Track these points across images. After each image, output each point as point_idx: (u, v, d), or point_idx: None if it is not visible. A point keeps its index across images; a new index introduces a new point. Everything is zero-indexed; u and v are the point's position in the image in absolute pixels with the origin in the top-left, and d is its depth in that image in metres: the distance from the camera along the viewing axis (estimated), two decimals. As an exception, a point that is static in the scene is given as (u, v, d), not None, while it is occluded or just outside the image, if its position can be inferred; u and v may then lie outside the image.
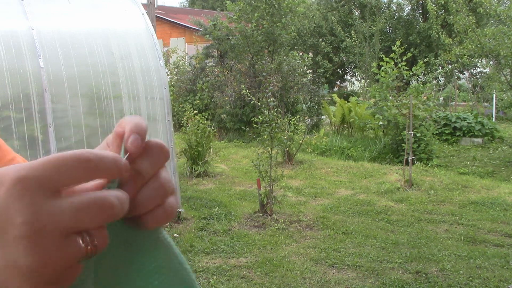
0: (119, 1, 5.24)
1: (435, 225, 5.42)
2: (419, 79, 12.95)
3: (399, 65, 8.51)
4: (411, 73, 8.65)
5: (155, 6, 13.27)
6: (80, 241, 0.34)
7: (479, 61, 14.68)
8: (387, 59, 8.65)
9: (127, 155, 0.39)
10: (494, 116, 14.06)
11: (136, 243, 0.42)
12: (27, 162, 0.35)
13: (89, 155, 0.35)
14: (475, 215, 5.72)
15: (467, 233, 5.11)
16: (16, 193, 0.32)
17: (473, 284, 3.95)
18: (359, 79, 20.12)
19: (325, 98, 13.66)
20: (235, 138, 11.13)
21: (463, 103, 16.16)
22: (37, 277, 0.32)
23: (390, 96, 8.77)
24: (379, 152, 9.40)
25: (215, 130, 8.65)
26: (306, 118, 11.44)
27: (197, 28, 15.80)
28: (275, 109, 6.20)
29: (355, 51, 17.72)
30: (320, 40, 19.20)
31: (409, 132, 7.06)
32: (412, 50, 16.19)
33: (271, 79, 10.69)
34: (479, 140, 10.77)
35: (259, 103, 7.33)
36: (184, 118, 8.44)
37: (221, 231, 5.17)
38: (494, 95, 14.33)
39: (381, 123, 9.53)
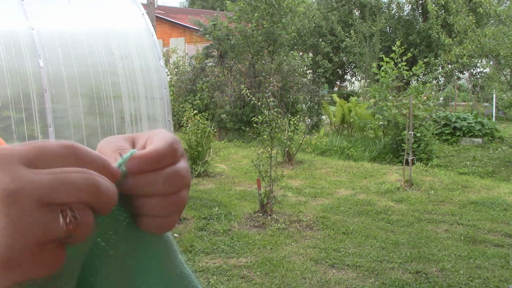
0: (119, 1, 5.24)
1: (435, 225, 5.42)
2: (419, 79, 12.94)
3: (399, 65, 8.51)
4: (411, 73, 8.64)
5: (155, 6, 13.27)
6: (60, 216, 0.32)
7: (479, 61, 14.68)
8: (387, 59, 8.65)
9: (122, 164, 0.38)
10: (494, 116, 14.06)
11: (139, 240, 0.42)
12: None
13: (78, 147, 0.35)
14: (475, 215, 5.72)
15: (467, 233, 5.11)
16: None
17: (473, 284, 3.95)
18: (359, 79, 20.13)
19: (325, 98, 13.66)
20: (235, 138, 11.13)
21: (463, 103, 16.16)
22: (8, 248, 0.31)
23: (390, 96, 8.77)
24: (379, 152, 9.40)
25: (215, 130, 8.65)
26: (306, 118, 11.44)
27: (197, 28, 15.80)
28: (275, 109, 6.20)
29: (355, 51, 17.72)
30: (320, 40, 19.20)
31: (409, 132, 7.06)
32: (412, 50, 16.19)
33: (271, 79, 10.69)
34: (479, 140, 10.77)
35: (259, 103, 7.33)
36: (184, 118, 8.44)
37: (221, 231, 5.17)
38: (494, 95, 14.33)
39: (381, 123, 9.53)
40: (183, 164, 0.41)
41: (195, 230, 5.20)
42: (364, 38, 17.70)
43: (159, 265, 0.43)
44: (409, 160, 6.92)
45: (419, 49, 18.09)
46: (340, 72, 21.53)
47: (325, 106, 12.05)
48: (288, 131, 7.69)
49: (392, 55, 8.62)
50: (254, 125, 6.36)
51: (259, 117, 5.96)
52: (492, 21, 14.00)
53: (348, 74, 21.98)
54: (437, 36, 16.06)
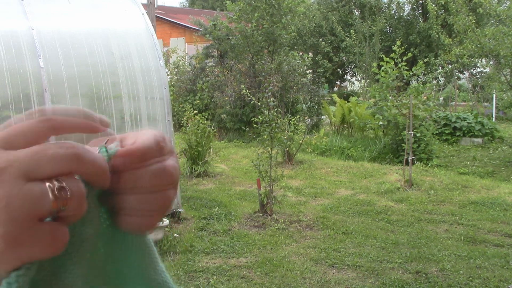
0: (119, 1, 5.24)
1: (435, 225, 5.42)
2: (419, 79, 12.94)
3: (399, 65, 8.50)
4: (411, 73, 8.64)
5: (155, 6, 13.26)
6: (47, 187, 0.32)
7: (479, 61, 14.67)
8: (387, 59, 8.64)
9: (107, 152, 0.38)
10: (494, 116, 14.06)
11: (121, 242, 0.41)
12: None
13: (53, 118, 0.36)
14: (475, 215, 5.72)
15: (467, 233, 5.11)
16: None
17: (473, 284, 3.95)
18: (359, 79, 20.12)
19: (325, 98, 13.66)
20: (235, 138, 11.13)
21: (463, 103, 16.15)
22: (6, 225, 0.31)
23: (390, 96, 8.76)
24: (379, 152, 9.40)
25: (215, 130, 8.65)
26: (306, 118, 11.44)
27: (197, 28, 15.79)
28: (275, 109, 6.20)
29: (355, 51, 17.72)
30: (320, 40, 19.20)
31: (409, 132, 7.06)
32: (412, 50, 16.19)
33: (271, 79, 10.69)
34: (479, 140, 10.77)
35: (259, 103, 7.33)
36: (184, 118, 8.44)
37: (221, 231, 5.17)
38: (494, 95, 14.33)
39: (381, 123, 9.53)
40: (170, 162, 0.40)
41: (195, 230, 5.19)
42: (364, 38, 17.70)
43: (140, 271, 0.42)
44: (409, 160, 6.92)
45: (419, 49, 18.09)
46: (340, 72, 21.53)
47: (325, 106, 12.05)
48: (288, 131, 7.69)
49: (392, 55, 8.62)
50: (254, 125, 6.36)
51: (259, 117, 5.96)
52: (492, 21, 14.00)
53: (348, 74, 21.98)
54: (437, 36, 16.06)
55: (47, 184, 0.33)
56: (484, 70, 16.87)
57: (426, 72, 15.88)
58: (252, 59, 11.39)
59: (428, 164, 8.33)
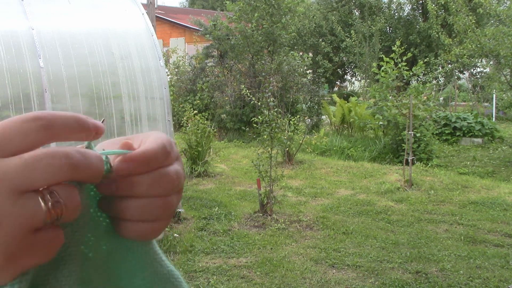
0: (119, 1, 5.24)
1: (435, 225, 5.42)
2: (419, 79, 12.94)
3: (399, 65, 8.50)
4: (411, 73, 8.64)
5: (155, 6, 13.25)
6: (40, 200, 0.32)
7: (479, 61, 14.67)
8: (387, 59, 8.64)
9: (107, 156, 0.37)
10: (494, 116, 14.06)
11: (120, 240, 0.40)
12: None
13: (44, 116, 0.33)
14: (475, 215, 5.72)
15: (467, 233, 5.11)
16: None
17: (473, 284, 3.95)
18: (359, 79, 20.12)
19: (325, 98, 13.65)
20: (235, 138, 11.13)
21: (463, 103, 16.15)
22: (2, 241, 0.31)
23: (390, 96, 8.76)
24: (379, 152, 9.40)
25: (215, 130, 8.65)
26: (306, 118, 11.44)
27: (197, 28, 15.80)
28: (275, 109, 6.20)
29: (355, 51, 17.71)
30: (320, 40, 19.19)
31: (409, 132, 7.06)
32: (412, 50, 16.19)
33: (271, 79, 10.69)
34: (479, 140, 10.77)
35: (259, 103, 7.33)
36: (184, 118, 8.44)
37: (221, 231, 5.17)
38: (494, 95, 14.33)
39: (381, 123, 9.53)
40: (176, 167, 0.39)
41: (195, 230, 5.19)
42: (364, 38, 17.69)
43: (144, 265, 0.42)
44: (409, 160, 6.92)
45: (419, 49, 18.09)
46: (340, 72, 21.53)
47: (325, 106, 12.05)
48: (288, 131, 7.69)
49: (392, 55, 8.62)
50: (254, 125, 6.36)
51: (259, 117, 5.96)
52: (492, 21, 14.00)
53: (348, 74, 21.97)
54: (437, 36, 16.05)
55: (39, 196, 0.32)
56: (484, 70, 16.86)
57: (426, 72, 15.87)
58: (252, 59, 11.39)
59: (428, 164, 8.33)
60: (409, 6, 19.85)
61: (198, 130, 7.56)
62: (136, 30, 5.08)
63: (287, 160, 8.39)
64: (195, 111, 8.63)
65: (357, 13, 20.42)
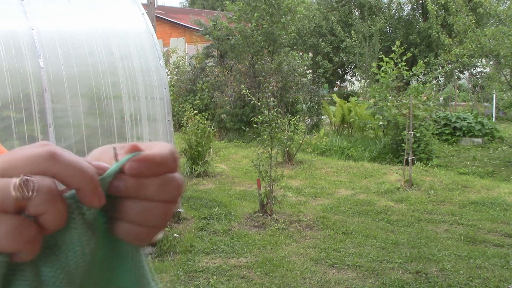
0: (119, 1, 5.24)
1: (435, 225, 5.42)
2: (419, 79, 12.94)
3: (399, 65, 8.49)
4: (411, 73, 8.64)
5: (155, 6, 13.25)
6: (12, 182, 0.33)
7: (479, 61, 14.68)
8: (387, 59, 8.64)
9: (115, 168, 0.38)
10: (494, 116, 14.06)
11: (115, 249, 0.40)
12: None
13: (56, 155, 0.35)
14: (475, 215, 5.72)
15: (467, 233, 5.11)
16: None
17: (473, 284, 3.95)
18: (359, 79, 20.12)
19: (325, 98, 13.65)
20: (235, 138, 11.13)
21: (463, 103, 16.15)
22: None
23: (390, 96, 8.76)
24: (379, 152, 9.40)
25: (215, 130, 8.65)
26: (306, 118, 11.44)
27: (197, 28, 15.80)
28: (275, 109, 6.20)
29: (355, 51, 17.71)
30: (320, 40, 19.19)
31: (409, 132, 7.06)
32: (412, 50, 16.18)
33: (271, 79, 10.69)
34: (479, 140, 10.77)
35: (259, 103, 7.33)
36: (184, 118, 8.44)
37: (221, 231, 5.17)
38: (494, 95, 14.33)
39: (381, 123, 9.53)
40: (180, 175, 0.40)
41: (195, 230, 5.19)
42: (364, 38, 17.69)
43: (136, 279, 0.42)
44: (409, 160, 6.92)
45: (419, 49, 18.08)
46: (340, 72, 21.52)
47: (325, 106, 12.05)
48: (288, 131, 7.68)
49: (392, 55, 8.61)
50: (254, 125, 6.36)
51: (259, 117, 5.96)
52: (492, 21, 14.00)
53: (348, 74, 21.97)
54: (437, 36, 16.05)
55: (14, 179, 0.33)
56: (484, 70, 16.86)
57: (426, 72, 15.86)
58: (252, 59, 11.39)
59: (428, 164, 8.33)
60: (409, 6, 19.84)
61: (198, 130, 7.56)
62: (136, 30, 5.08)
63: (287, 160, 8.39)
64: (195, 111, 8.63)
65: (357, 13, 20.41)
